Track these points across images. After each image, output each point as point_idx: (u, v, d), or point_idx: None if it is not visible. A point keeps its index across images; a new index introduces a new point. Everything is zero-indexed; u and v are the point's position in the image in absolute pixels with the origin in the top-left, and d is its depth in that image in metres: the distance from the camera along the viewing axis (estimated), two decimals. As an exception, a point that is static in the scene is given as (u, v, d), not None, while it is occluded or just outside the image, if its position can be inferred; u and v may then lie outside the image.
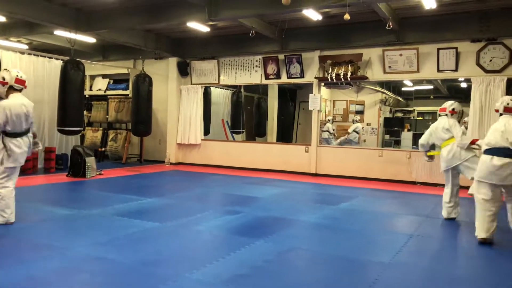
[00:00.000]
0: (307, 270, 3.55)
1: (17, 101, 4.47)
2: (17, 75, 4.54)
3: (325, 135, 13.05)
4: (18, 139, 4.48)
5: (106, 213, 5.18)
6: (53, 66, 9.46)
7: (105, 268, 3.36)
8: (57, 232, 4.41)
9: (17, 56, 8.92)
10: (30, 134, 4.65)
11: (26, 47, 10.88)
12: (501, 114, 4.43)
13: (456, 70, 8.15)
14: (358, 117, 13.91)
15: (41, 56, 9.41)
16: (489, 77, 7.80)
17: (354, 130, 13.43)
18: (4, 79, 4.49)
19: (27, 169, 8.29)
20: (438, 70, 8.28)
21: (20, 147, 4.49)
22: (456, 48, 8.06)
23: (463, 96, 13.69)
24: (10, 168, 4.45)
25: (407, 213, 5.89)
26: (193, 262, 3.52)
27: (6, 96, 4.52)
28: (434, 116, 15.22)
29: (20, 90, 4.60)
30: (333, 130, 13.81)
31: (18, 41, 10.79)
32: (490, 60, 7.83)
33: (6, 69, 4.68)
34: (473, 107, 7.95)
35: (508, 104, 4.38)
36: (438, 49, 8.19)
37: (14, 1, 7.50)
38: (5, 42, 10.04)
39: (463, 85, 12.91)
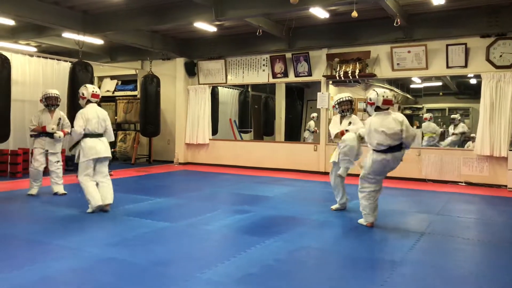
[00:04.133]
0: (318, 269, 3.54)
1: (92, 109, 5.44)
2: (93, 91, 5.49)
3: (306, 134, 12.53)
4: (94, 139, 5.35)
5: (117, 214, 5.21)
6: (62, 68, 9.53)
7: (117, 268, 3.37)
8: (68, 233, 4.44)
9: (26, 59, 9.02)
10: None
11: (35, 50, 10.98)
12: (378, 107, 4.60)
13: (465, 66, 8.08)
14: (366, 114, 13.79)
15: (49, 58, 9.50)
16: (499, 73, 7.72)
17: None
18: (83, 94, 5.47)
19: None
20: (447, 67, 8.21)
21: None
22: (465, 44, 7.99)
23: (473, 92, 13.55)
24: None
25: (417, 211, 5.85)
26: (204, 262, 3.53)
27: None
28: (443, 113, 15.11)
29: (96, 102, 5.56)
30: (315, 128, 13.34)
31: (27, 44, 10.89)
32: (500, 56, 7.75)
33: (85, 86, 5.57)
34: (483, 104, 7.88)
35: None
36: (447, 45, 8.12)
37: (23, 5, 7.57)
38: (15, 45, 10.14)
39: (473, 81, 12.76)
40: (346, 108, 5.38)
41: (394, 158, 4.55)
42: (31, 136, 6.48)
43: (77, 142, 5.39)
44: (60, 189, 6.43)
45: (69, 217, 5.05)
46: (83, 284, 3.06)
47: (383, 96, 4.49)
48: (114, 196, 5.36)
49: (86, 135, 5.29)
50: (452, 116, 12.60)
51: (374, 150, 4.59)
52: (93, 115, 5.35)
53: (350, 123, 5.35)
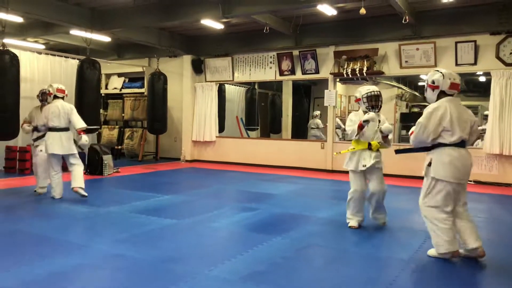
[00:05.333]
0: (325, 267, 3.52)
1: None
2: (57, 87, 5.95)
3: (316, 132, 12.26)
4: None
5: (124, 210, 5.23)
6: (70, 65, 9.58)
7: (124, 265, 3.38)
8: (76, 230, 4.46)
9: (34, 56, 9.07)
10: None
11: (43, 47, 11.03)
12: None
13: (475, 63, 8.00)
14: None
15: (57, 55, 9.55)
16: (509, 71, 7.64)
17: None
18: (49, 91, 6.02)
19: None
20: (456, 64, 8.13)
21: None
22: (475, 41, 7.91)
23: (482, 90, 13.42)
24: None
25: (425, 210, 5.79)
26: (211, 259, 3.53)
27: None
28: (451, 111, 14.97)
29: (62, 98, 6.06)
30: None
31: (35, 41, 10.94)
32: (510, 53, 7.67)
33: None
34: (493, 102, 7.80)
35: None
36: (456, 43, 8.05)
37: (31, 2, 7.60)
38: (23, 43, 10.19)
39: (482, 79, 12.65)
40: (375, 104, 4.43)
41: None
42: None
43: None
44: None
45: (77, 214, 5.07)
46: (91, 281, 3.08)
47: (449, 79, 3.58)
48: (121, 193, 5.40)
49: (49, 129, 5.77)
50: (485, 112, 12.36)
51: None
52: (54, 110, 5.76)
53: (380, 121, 4.47)
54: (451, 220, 3.55)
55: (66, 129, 5.83)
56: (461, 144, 3.55)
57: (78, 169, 5.82)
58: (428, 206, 3.61)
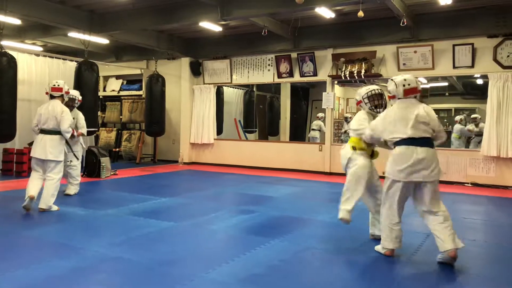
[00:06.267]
0: (324, 270, 3.51)
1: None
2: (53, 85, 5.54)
3: (316, 134, 12.28)
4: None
5: (122, 213, 5.21)
6: (68, 67, 9.56)
7: (122, 268, 3.37)
8: (73, 232, 4.44)
9: (32, 58, 9.05)
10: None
11: (41, 49, 11.02)
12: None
13: (472, 66, 8.03)
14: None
15: (55, 58, 9.53)
16: (506, 73, 7.66)
17: None
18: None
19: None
20: (454, 67, 8.16)
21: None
22: (472, 44, 7.93)
23: (479, 93, 13.43)
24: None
25: (423, 212, 5.79)
26: (209, 262, 3.52)
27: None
28: (449, 113, 15.01)
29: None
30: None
31: (33, 44, 10.94)
32: (508, 56, 7.69)
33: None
34: (490, 104, 7.82)
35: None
36: (454, 46, 8.07)
37: (29, 4, 7.60)
38: (21, 45, 10.18)
39: (479, 81, 12.68)
40: (379, 103, 4.16)
41: None
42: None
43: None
44: (70, 190, 6.37)
45: (74, 217, 5.06)
46: (88, 284, 3.06)
47: (403, 86, 3.67)
48: (118, 195, 5.36)
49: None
50: (473, 116, 12.43)
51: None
52: (45, 111, 5.37)
53: None
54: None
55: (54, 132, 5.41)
56: (410, 141, 3.56)
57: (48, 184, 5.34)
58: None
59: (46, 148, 5.28)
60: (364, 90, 4.29)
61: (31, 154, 5.40)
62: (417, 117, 3.58)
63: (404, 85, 3.67)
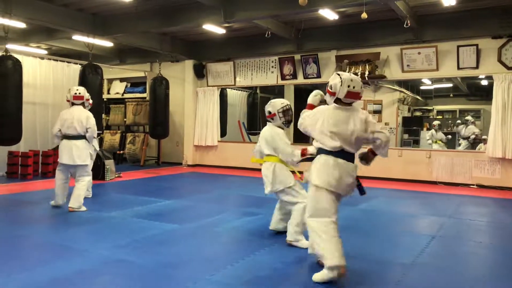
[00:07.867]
0: (328, 272, 3.49)
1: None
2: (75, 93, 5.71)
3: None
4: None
5: (126, 215, 5.22)
6: (72, 70, 9.61)
7: (126, 270, 3.37)
8: (78, 235, 4.45)
9: (37, 61, 9.10)
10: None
11: (46, 52, 11.08)
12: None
13: (477, 67, 7.99)
14: (376, 116, 13.73)
15: (60, 61, 9.58)
16: (511, 74, 7.62)
17: None
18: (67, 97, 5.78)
19: (48, 172, 8.44)
20: (458, 68, 8.12)
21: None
22: (476, 45, 7.90)
23: (484, 94, 13.40)
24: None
25: (428, 214, 5.77)
26: (213, 264, 3.51)
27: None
28: (454, 115, 14.97)
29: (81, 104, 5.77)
30: None
31: (38, 47, 10.99)
32: (512, 57, 7.65)
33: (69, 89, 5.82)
34: (495, 105, 7.78)
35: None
36: (458, 47, 8.04)
37: (33, 8, 7.64)
38: (26, 48, 10.24)
39: (484, 82, 12.65)
40: (291, 119, 4.39)
41: None
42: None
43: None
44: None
45: (79, 219, 5.06)
46: (92, 286, 3.07)
47: (348, 86, 3.21)
48: (123, 198, 5.37)
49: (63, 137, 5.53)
50: (466, 117, 12.43)
51: None
52: (69, 116, 5.51)
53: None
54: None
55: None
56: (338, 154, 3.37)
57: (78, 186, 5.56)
58: None
59: (72, 153, 5.44)
60: (279, 104, 4.27)
61: (58, 160, 5.56)
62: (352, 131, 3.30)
63: (349, 86, 3.19)
